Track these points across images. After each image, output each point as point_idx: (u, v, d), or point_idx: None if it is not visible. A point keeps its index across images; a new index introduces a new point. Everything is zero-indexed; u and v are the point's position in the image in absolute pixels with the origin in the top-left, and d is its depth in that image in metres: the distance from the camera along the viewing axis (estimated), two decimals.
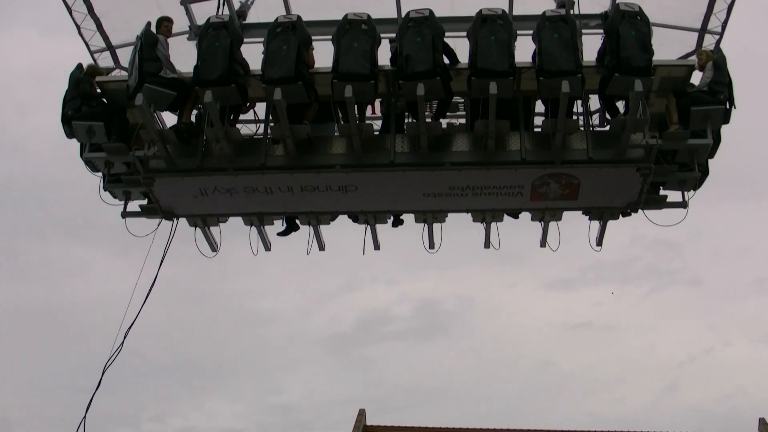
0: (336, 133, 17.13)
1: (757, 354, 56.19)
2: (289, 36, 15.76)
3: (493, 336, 58.92)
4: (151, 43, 16.03)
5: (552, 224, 18.46)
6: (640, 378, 56.41)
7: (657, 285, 60.30)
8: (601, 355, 58.47)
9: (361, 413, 33.18)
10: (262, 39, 16.34)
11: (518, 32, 16.07)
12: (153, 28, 16.32)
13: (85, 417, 17.20)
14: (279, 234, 18.90)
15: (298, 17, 16.13)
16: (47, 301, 57.62)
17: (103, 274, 58.28)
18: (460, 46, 16.33)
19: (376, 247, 19.17)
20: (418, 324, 61.80)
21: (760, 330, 58.13)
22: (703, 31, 17.92)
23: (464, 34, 16.20)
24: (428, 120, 16.23)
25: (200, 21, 17.39)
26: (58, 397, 55.19)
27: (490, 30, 15.66)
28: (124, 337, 17.59)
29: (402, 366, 59.06)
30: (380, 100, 17.63)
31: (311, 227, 18.69)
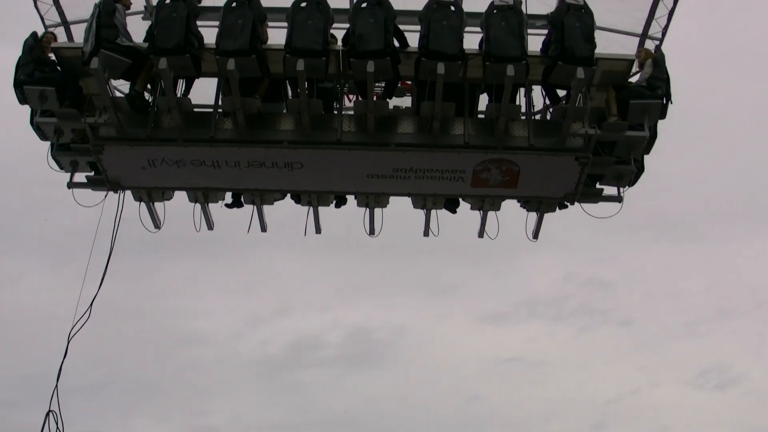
0: (285, 111, 17.88)
1: (684, 396, 57.66)
2: (245, 11, 16.59)
3: (424, 367, 59.61)
4: (110, 11, 16.72)
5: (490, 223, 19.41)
6: (567, 416, 57.43)
7: (589, 323, 61.71)
8: (531, 392, 59.38)
9: None
10: (216, 23, 17.12)
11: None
12: None
13: (57, 386, 17.76)
14: (226, 205, 19.57)
15: None
16: None
17: (33, 287, 58.05)
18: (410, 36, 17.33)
19: (318, 230, 19.88)
20: (349, 351, 62.49)
21: (688, 372, 59.68)
22: (644, 36, 19.00)
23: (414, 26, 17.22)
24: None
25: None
26: None
27: (443, 15, 16.66)
28: (89, 308, 18.22)
29: (332, 393, 59.55)
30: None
31: (255, 206, 19.36)
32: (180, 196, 19.39)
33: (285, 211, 19.99)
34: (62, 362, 18.02)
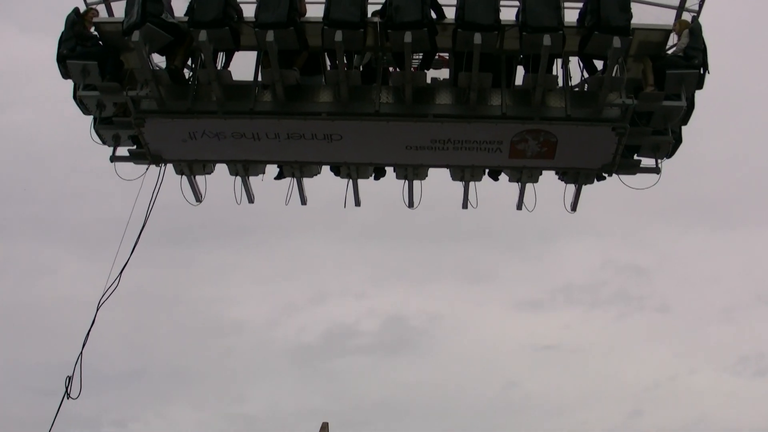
0: (323, 83, 18.21)
1: (721, 382, 57.51)
2: None
3: (460, 354, 59.77)
4: None
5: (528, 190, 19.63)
6: (604, 402, 57.51)
7: (625, 310, 61.76)
8: (567, 378, 59.42)
9: (324, 427, 33.86)
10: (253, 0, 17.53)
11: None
12: None
13: (81, 353, 18.17)
14: (275, 178, 19.96)
15: None
16: (13, 301, 58.07)
17: (70, 275, 58.77)
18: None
19: (357, 203, 20.20)
20: (385, 339, 62.79)
21: (725, 359, 59.62)
22: (681, 8, 19.12)
23: None
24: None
25: None
26: (22, 399, 55.58)
27: None
28: (119, 276, 18.65)
29: (368, 380, 59.90)
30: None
31: (294, 179, 19.72)
32: (220, 174, 19.80)
33: (320, 197, 20.42)
34: (89, 329, 18.46)
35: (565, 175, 19.26)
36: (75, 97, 18.15)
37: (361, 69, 17.67)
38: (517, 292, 64.72)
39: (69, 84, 18.30)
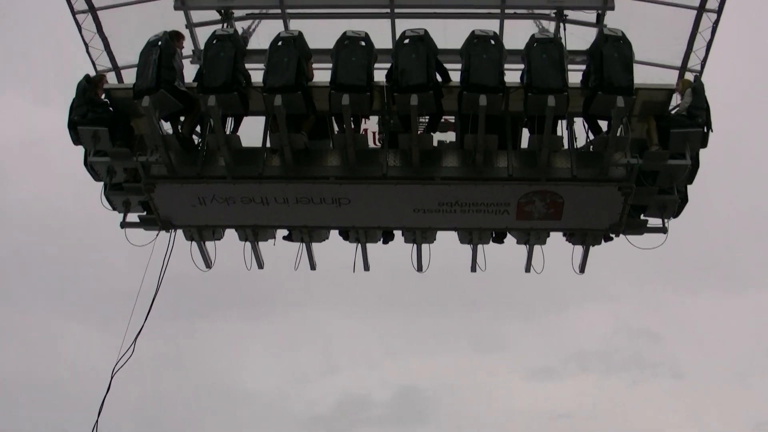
0: (331, 147, 18.51)
1: None
2: (291, 49, 17.33)
3: (474, 424, 59.50)
4: (170, 53, 17.54)
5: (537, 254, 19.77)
6: None
7: (639, 376, 61.78)
8: None
9: None
10: (261, 65, 17.90)
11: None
12: None
13: (97, 422, 18.31)
14: (284, 238, 20.14)
15: (299, 32, 17.74)
16: (24, 370, 58.12)
17: (80, 345, 58.90)
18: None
19: (366, 267, 20.37)
20: (398, 410, 62.71)
21: (742, 423, 59.12)
22: (683, 69, 19.53)
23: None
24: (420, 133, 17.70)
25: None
26: None
27: (483, 49, 17.28)
28: (133, 343, 18.84)
29: None
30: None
31: (303, 244, 19.92)
32: (230, 240, 20.01)
33: (330, 262, 20.59)
34: (104, 397, 18.64)
35: (572, 237, 19.45)
36: (86, 163, 18.47)
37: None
38: (529, 359, 64.87)
39: (79, 155, 18.69)
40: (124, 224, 19.25)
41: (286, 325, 62.43)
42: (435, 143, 18.23)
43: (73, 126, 17.99)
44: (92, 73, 18.94)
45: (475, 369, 62.96)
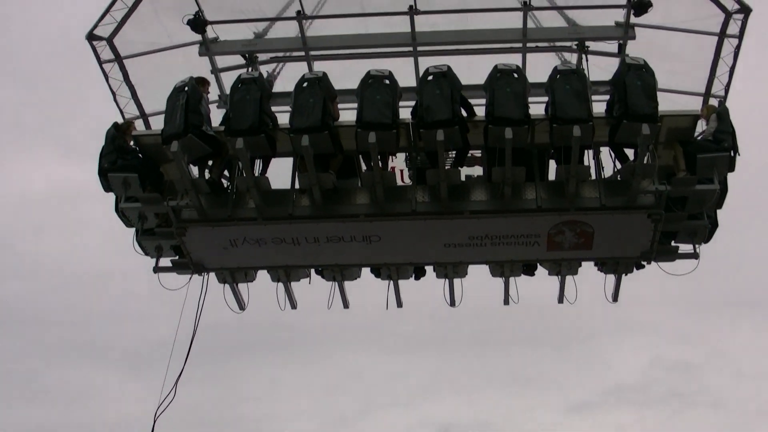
0: (359, 186, 18.69)
1: None
2: (316, 89, 17.57)
3: None
4: (197, 98, 17.82)
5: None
6: None
7: (678, 408, 61.41)
8: None
9: None
10: (287, 107, 18.14)
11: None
12: None
13: None
14: (317, 272, 20.33)
15: (324, 73, 17.98)
16: (64, 423, 58.26)
17: (116, 397, 59.08)
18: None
19: (399, 304, 20.49)
20: None
21: None
22: (707, 95, 19.63)
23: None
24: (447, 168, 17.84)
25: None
26: None
27: (506, 82, 17.44)
28: (174, 387, 18.95)
29: None
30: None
31: (336, 282, 20.07)
32: (262, 281, 20.18)
33: (363, 300, 20.74)
34: None
35: (604, 266, 19.53)
36: (117, 209, 18.70)
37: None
38: (567, 394, 64.47)
39: (108, 205, 19.04)
40: (157, 269, 19.49)
41: (321, 367, 62.27)
42: (462, 178, 18.32)
43: (103, 173, 18.24)
44: (120, 121, 19.19)
45: (513, 405, 62.83)
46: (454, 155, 18.28)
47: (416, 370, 63.91)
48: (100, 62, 19.74)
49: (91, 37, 19.46)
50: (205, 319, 19.38)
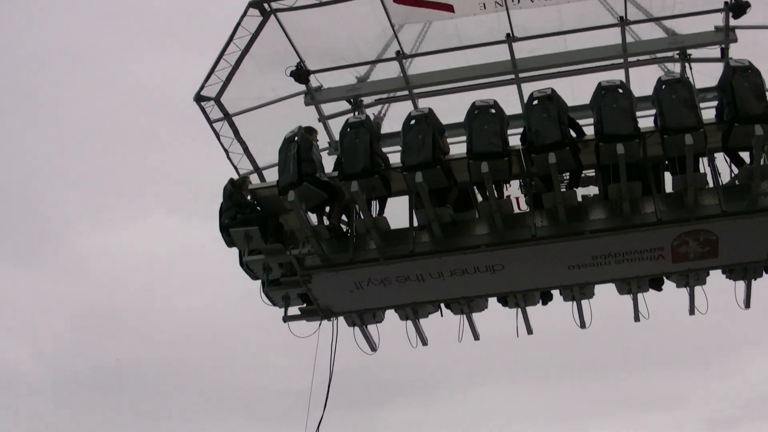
0: (477, 217, 18.79)
1: None
2: (423, 126, 17.79)
3: None
4: (308, 146, 18.22)
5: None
6: None
7: None
8: None
9: None
10: (397, 147, 18.40)
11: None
12: None
13: None
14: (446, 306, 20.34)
15: (430, 109, 18.21)
16: None
17: None
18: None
19: (529, 331, 20.51)
20: None
21: None
22: None
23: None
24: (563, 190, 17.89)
25: None
26: None
27: (612, 99, 17.49)
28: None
29: None
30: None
31: (464, 315, 20.17)
32: (391, 321, 20.38)
33: (492, 331, 20.77)
34: None
35: (732, 273, 19.30)
36: (241, 263, 19.19)
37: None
38: (709, 410, 63.45)
39: (229, 261, 19.44)
40: (286, 318, 19.82)
41: (456, 405, 62.04)
42: (579, 198, 18.33)
43: (224, 229, 18.74)
44: (235, 177, 19.64)
45: (657, 426, 62.00)
46: (568, 177, 18.35)
47: (553, 397, 63.34)
48: (210, 122, 20.23)
49: (199, 98, 19.97)
50: (339, 363, 19.67)
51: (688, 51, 19.82)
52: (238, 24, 19.31)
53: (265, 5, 19.32)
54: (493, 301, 20.16)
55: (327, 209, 18.69)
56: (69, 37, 67.83)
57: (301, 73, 19.84)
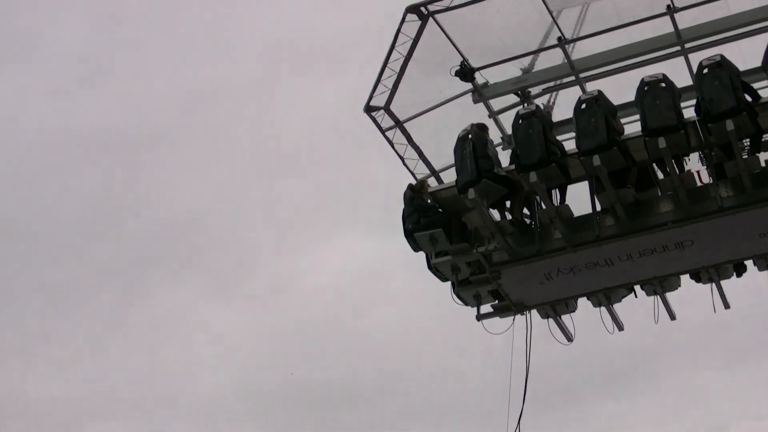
0: (659, 194, 18.58)
1: None
2: (595, 109, 17.69)
3: None
4: (483, 143, 18.37)
5: None
6: None
7: None
8: None
9: None
10: (571, 134, 18.39)
11: None
12: None
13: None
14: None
15: (599, 91, 18.10)
16: None
17: None
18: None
19: (726, 305, 20.25)
20: None
21: None
22: None
23: None
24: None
25: None
26: None
27: None
28: (518, 424, 19.51)
29: None
30: None
31: (657, 296, 20.02)
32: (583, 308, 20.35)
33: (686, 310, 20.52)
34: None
35: None
36: (429, 266, 19.42)
37: None
38: None
39: (415, 269, 19.68)
40: (480, 317, 19.97)
41: (662, 391, 60.61)
42: (762, 164, 17.97)
43: (409, 234, 19.03)
44: (413, 182, 19.88)
45: None
46: (748, 143, 17.95)
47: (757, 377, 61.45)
48: (383, 131, 20.54)
49: (369, 108, 20.29)
50: (532, 360, 19.74)
51: None
52: (398, 30, 19.53)
53: (422, 9, 19.47)
54: (685, 279, 19.87)
55: (507, 204, 18.74)
56: (234, 71, 69.42)
57: (465, 72, 19.94)
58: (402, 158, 20.87)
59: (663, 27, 19.82)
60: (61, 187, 65.49)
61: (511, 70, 20.67)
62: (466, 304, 20.02)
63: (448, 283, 19.71)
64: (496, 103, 21.02)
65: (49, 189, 65.41)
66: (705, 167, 18.83)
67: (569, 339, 20.57)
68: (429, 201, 19.30)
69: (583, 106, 17.86)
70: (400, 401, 59.59)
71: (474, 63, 20.23)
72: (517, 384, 19.76)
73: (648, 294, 20.03)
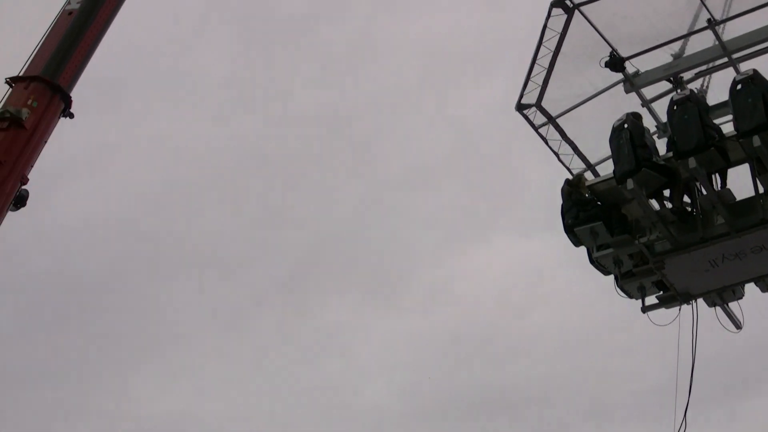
0: None
1: None
2: (751, 88, 17.25)
3: None
4: (640, 132, 18.19)
5: None
6: None
7: None
8: None
9: None
10: (728, 117, 18.04)
11: None
12: None
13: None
14: None
15: (754, 70, 17.67)
16: None
17: None
18: None
19: None
20: None
21: None
22: None
23: None
24: None
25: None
26: None
27: None
28: (684, 415, 19.26)
29: None
30: None
31: None
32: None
33: None
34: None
35: None
36: (591, 260, 19.28)
37: None
38: None
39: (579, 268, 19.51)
40: (645, 308, 19.72)
41: None
42: None
43: (569, 229, 18.92)
44: (570, 177, 19.77)
45: None
46: None
47: None
48: (536, 128, 20.51)
49: (520, 107, 20.26)
50: (698, 352, 19.41)
51: None
52: (545, 26, 19.53)
53: (568, 2, 19.40)
54: None
55: (666, 192, 18.47)
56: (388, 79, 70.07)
57: (616, 62, 19.78)
58: (557, 154, 20.78)
59: None
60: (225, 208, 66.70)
61: (662, 57, 20.34)
62: (630, 296, 19.78)
63: (611, 278, 19.53)
64: (648, 92, 20.68)
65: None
66: None
67: (738, 327, 20.14)
68: (587, 195, 19.16)
69: (739, 86, 17.49)
70: (569, 402, 59.13)
71: (623, 52, 20.03)
72: (683, 377, 19.49)
73: None
